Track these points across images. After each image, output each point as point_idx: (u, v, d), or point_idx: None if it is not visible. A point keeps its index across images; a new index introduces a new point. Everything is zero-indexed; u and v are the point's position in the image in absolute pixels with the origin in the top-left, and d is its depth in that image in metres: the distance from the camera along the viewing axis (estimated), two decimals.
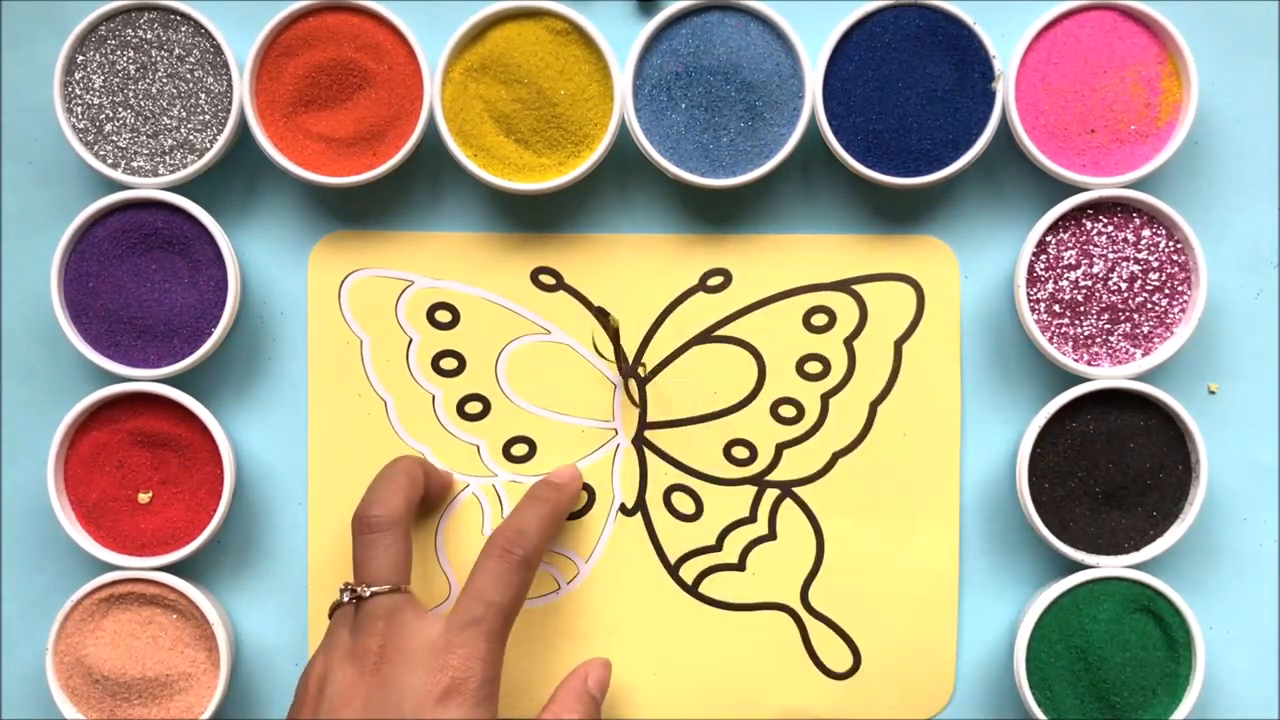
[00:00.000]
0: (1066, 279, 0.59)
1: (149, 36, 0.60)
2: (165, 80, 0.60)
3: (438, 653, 0.53)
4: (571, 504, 0.61)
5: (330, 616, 0.57)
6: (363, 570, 0.56)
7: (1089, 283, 0.59)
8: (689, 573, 0.62)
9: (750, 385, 0.62)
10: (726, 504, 0.62)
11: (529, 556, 0.56)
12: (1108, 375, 0.59)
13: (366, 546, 0.56)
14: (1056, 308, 0.59)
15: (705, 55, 0.59)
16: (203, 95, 0.60)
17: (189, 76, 0.60)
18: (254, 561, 0.63)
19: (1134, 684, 0.59)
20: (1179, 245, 0.59)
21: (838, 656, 0.62)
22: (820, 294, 0.62)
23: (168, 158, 0.60)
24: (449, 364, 0.62)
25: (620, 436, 0.62)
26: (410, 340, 0.62)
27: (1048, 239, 0.59)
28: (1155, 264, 0.59)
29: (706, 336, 0.62)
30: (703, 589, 0.62)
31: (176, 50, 0.60)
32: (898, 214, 0.62)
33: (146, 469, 0.60)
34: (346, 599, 0.55)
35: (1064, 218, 0.59)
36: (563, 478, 0.61)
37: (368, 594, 0.55)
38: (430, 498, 0.61)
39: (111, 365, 0.60)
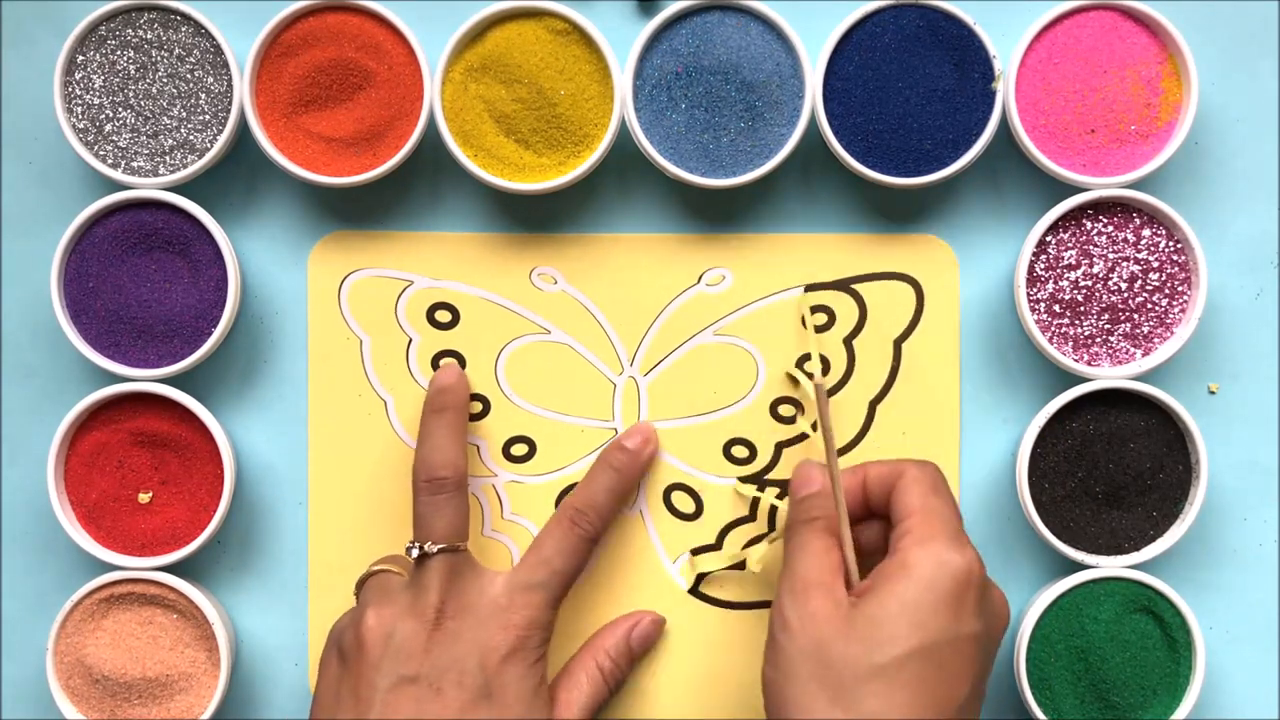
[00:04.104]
0: (1066, 279, 0.59)
1: (149, 36, 0.60)
2: (165, 80, 0.60)
3: (501, 610, 0.55)
4: (646, 467, 0.61)
5: (358, 589, 0.58)
6: (425, 528, 0.57)
7: (1089, 283, 0.59)
8: (689, 572, 0.62)
9: (749, 385, 0.62)
10: (726, 503, 0.62)
11: (596, 531, 0.58)
12: (1108, 375, 0.59)
13: (430, 505, 0.57)
14: (1056, 308, 0.59)
15: (705, 55, 0.59)
16: (203, 95, 0.60)
17: (189, 76, 0.60)
18: (254, 561, 0.63)
19: (1134, 684, 0.59)
20: (1179, 245, 0.59)
21: None
22: (820, 293, 0.62)
23: (168, 158, 0.60)
24: (449, 364, 0.62)
25: None
26: (410, 340, 0.62)
27: (1048, 239, 0.59)
28: (1155, 264, 0.59)
29: (706, 335, 0.62)
30: (703, 588, 0.62)
31: (176, 50, 0.60)
32: (898, 214, 0.62)
33: (146, 469, 0.60)
34: (414, 555, 0.56)
35: (1064, 218, 0.59)
36: (635, 441, 0.61)
37: (434, 550, 0.56)
38: None
39: (111, 365, 0.60)
